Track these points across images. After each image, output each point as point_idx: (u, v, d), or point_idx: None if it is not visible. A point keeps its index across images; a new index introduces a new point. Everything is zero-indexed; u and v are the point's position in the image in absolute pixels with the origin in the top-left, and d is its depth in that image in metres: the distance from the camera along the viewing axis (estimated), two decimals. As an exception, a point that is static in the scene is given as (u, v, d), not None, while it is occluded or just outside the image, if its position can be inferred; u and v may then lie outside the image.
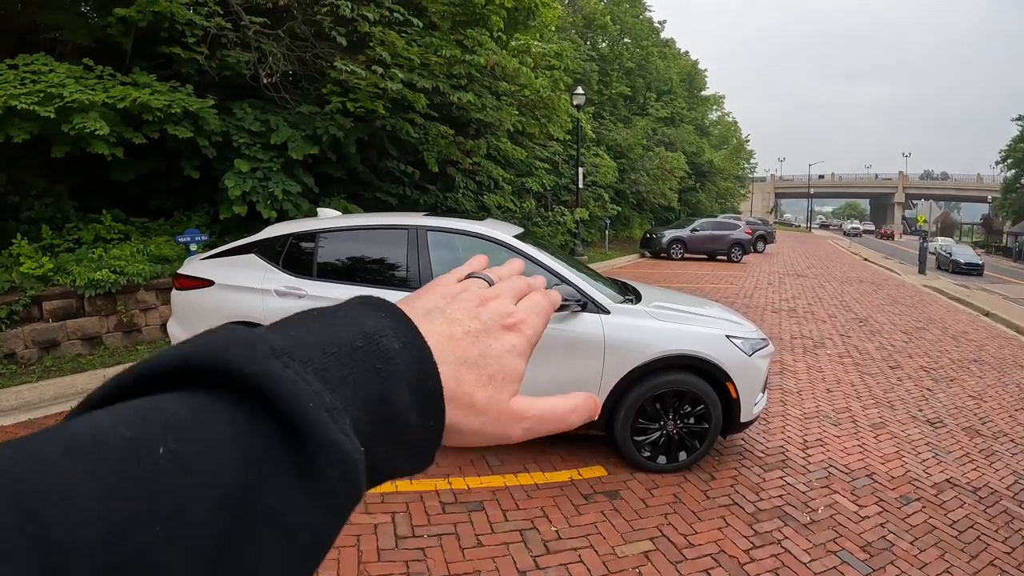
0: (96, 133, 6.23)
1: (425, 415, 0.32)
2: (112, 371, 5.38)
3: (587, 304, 3.80)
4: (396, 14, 7.86)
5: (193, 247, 6.83)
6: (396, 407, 0.31)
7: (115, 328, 6.36)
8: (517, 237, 4.13)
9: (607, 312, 3.83)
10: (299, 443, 0.26)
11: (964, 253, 29.24)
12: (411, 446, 0.32)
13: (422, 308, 0.38)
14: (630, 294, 4.33)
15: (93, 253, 7.13)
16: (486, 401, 0.36)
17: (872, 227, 77.13)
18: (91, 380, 5.25)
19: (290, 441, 0.26)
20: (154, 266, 6.86)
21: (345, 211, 7.82)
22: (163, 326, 6.65)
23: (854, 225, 76.18)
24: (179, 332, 4.34)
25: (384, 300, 0.35)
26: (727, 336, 3.92)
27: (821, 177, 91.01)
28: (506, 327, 0.39)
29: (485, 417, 0.36)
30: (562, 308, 3.71)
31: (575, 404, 0.41)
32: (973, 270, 26.94)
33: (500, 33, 9.07)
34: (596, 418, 0.42)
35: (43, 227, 7.38)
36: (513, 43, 9.85)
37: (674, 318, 3.99)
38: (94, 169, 7.80)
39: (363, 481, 0.28)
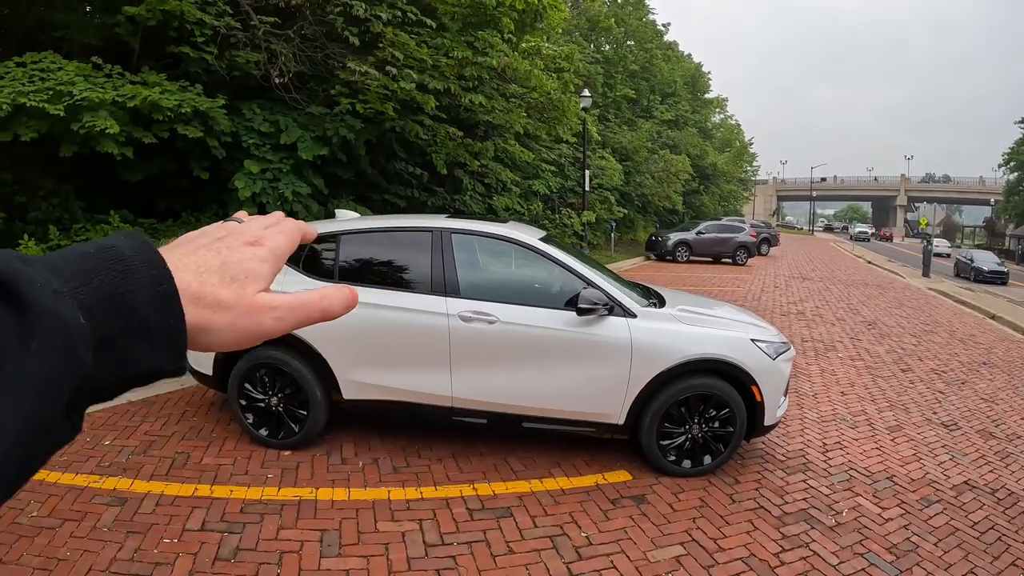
0: (106, 132, 6.20)
1: (163, 313, 0.37)
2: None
3: (614, 308, 3.78)
4: (409, 14, 7.85)
5: (205, 249, 6.78)
6: (131, 302, 0.36)
7: (125, 330, 6.33)
8: (541, 240, 4.13)
9: (634, 316, 3.81)
10: (27, 315, 0.31)
11: (987, 260, 26.41)
12: (155, 340, 0.37)
13: (174, 243, 0.45)
14: (653, 298, 4.32)
15: (103, 255, 7.11)
16: (232, 297, 0.41)
17: (872, 230, 74.30)
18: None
19: (22, 316, 0.31)
20: (165, 268, 6.85)
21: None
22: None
23: (861, 228, 65.83)
24: (196, 334, 4.32)
25: (130, 230, 0.42)
26: (752, 340, 3.92)
27: (823, 180, 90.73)
28: (248, 243, 0.45)
29: (234, 311, 0.41)
30: (589, 312, 3.70)
31: (324, 292, 0.47)
32: (997, 278, 24.49)
33: (510, 35, 9.07)
34: (354, 306, 0.47)
35: (50, 228, 7.33)
36: (523, 45, 9.85)
37: (700, 322, 3.98)
38: (101, 169, 7.77)
39: (84, 347, 0.33)
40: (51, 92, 6.08)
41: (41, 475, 3.53)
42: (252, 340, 0.43)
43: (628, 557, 3.05)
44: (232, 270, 0.42)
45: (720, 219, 26.76)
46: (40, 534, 2.97)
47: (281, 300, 0.44)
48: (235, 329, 0.41)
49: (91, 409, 3.38)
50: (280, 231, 0.48)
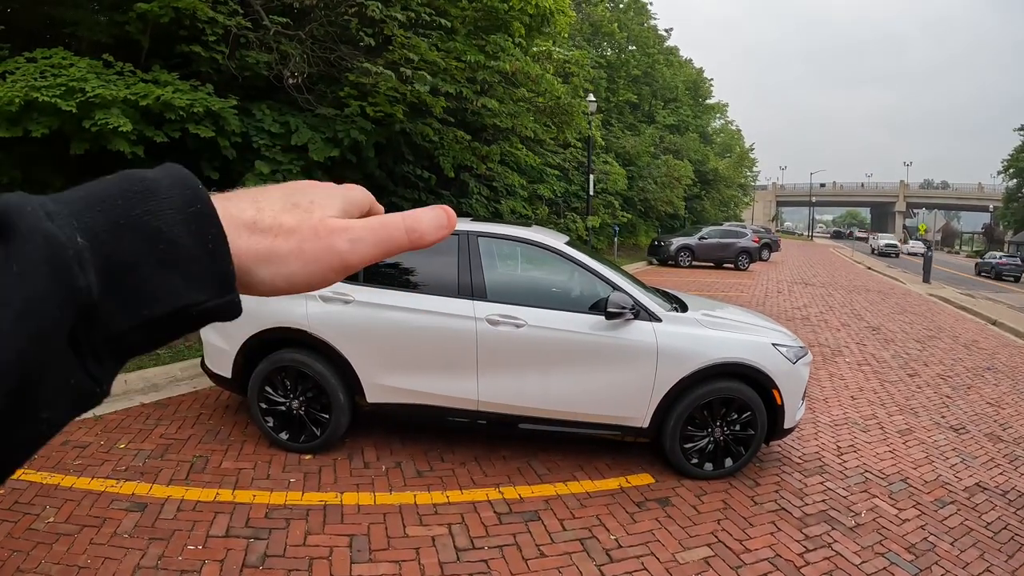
0: (119, 130, 6.17)
1: (198, 236, 0.32)
2: (132, 376, 5.30)
3: (640, 312, 3.80)
4: (423, 15, 7.86)
5: (216, 251, 6.76)
6: (153, 224, 0.31)
7: (135, 332, 6.26)
8: (567, 244, 4.15)
9: (659, 320, 3.84)
10: (13, 239, 0.28)
11: None
12: (190, 269, 0.32)
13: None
14: (675, 302, 4.35)
15: (111, 256, 7.08)
16: (295, 221, 0.37)
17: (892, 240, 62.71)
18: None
19: (7, 242, 0.28)
20: (174, 270, 6.79)
21: None
22: (183, 331, 6.59)
23: (888, 241, 44.92)
24: (214, 337, 4.24)
25: (168, 163, 0.36)
26: (773, 344, 3.96)
27: (823, 185, 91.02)
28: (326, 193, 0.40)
29: (300, 235, 0.36)
30: (617, 315, 3.72)
31: (411, 213, 0.40)
32: None
33: (521, 39, 9.11)
34: (451, 228, 0.41)
35: (58, 228, 7.32)
36: (534, 49, 9.90)
37: (723, 326, 4.01)
38: (110, 168, 7.70)
39: (81, 269, 0.29)
40: (63, 88, 6.03)
41: (56, 479, 3.51)
42: (325, 271, 0.37)
43: (658, 559, 3.07)
44: (295, 198, 0.38)
45: (722, 224, 26.85)
46: (58, 541, 2.93)
47: (357, 222, 0.38)
48: (303, 256, 0.36)
49: (103, 411, 3.36)
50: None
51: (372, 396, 3.91)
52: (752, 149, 43.92)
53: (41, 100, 5.87)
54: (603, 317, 3.75)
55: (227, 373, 4.13)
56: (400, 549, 3.01)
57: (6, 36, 7.05)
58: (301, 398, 3.98)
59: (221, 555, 2.88)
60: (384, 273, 4.09)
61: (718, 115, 43.36)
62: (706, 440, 3.93)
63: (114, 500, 3.33)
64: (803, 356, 4.11)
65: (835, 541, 3.37)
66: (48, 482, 3.49)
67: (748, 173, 45.78)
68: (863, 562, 3.19)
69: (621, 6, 28.27)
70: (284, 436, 4.02)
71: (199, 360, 4.63)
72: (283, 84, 7.90)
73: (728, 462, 3.97)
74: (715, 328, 3.95)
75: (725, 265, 21.44)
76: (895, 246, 44.70)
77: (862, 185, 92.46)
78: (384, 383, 3.88)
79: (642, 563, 3.02)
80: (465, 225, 4.13)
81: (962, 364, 8.08)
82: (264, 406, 4.02)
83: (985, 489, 4.22)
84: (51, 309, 0.28)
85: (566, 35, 12.53)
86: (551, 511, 3.47)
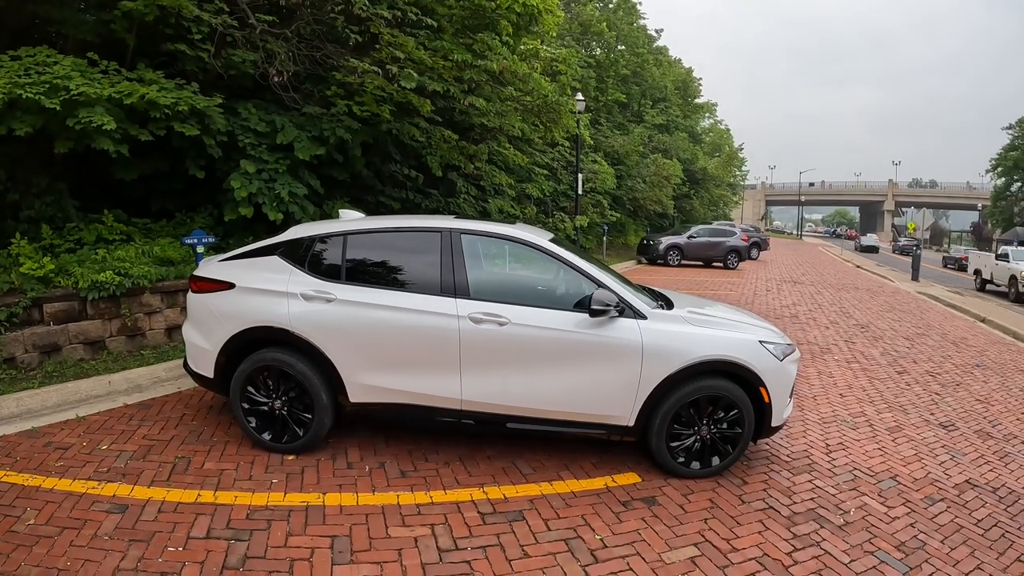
0: (103, 128, 6.10)
1: None
2: (116, 377, 5.25)
3: (624, 309, 3.76)
4: (410, 14, 7.81)
5: (200, 249, 6.70)
6: None
7: (118, 332, 6.17)
8: (551, 241, 4.11)
9: (644, 317, 3.80)
10: None
11: None
12: None
13: None
14: (660, 300, 4.31)
15: (96, 254, 6.97)
16: None
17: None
18: (95, 386, 5.06)
19: None
20: (159, 268, 6.69)
21: None
22: (168, 330, 6.52)
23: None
24: (196, 336, 4.19)
25: None
26: (760, 342, 3.93)
27: (812, 185, 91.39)
28: None
29: None
30: (601, 313, 3.68)
31: None
32: None
33: (508, 38, 9.08)
34: None
35: (43, 226, 7.19)
36: (521, 47, 9.87)
37: (709, 323, 3.97)
38: (95, 168, 7.64)
39: None
40: (47, 85, 5.95)
41: (37, 480, 3.47)
42: None
43: (643, 559, 3.03)
44: None
45: (711, 223, 26.95)
46: (38, 543, 2.90)
47: None
48: None
49: (86, 412, 3.44)
50: None
51: (355, 396, 3.86)
52: (741, 148, 44.16)
53: (25, 97, 5.79)
54: (587, 315, 3.71)
55: (209, 373, 4.07)
56: (382, 550, 2.97)
57: (-10, 34, 6.96)
58: (284, 398, 3.92)
59: (201, 557, 2.85)
60: (366, 271, 4.03)
61: (707, 115, 43.61)
62: (693, 438, 3.90)
63: (95, 502, 3.29)
64: (791, 353, 4.09)
65: (824, 540, 3.35)
66: (29, 484, 3.45)
67: (737, 172, 46.08)
68: (852, 561, 3.16)
69: (611, 6, 28.34)
70: (267, 436, 3.97)
71: (183, 360, 4.57)
72: (269, 83, 7.84)
73: (715, 461, 3.93)
74: (701, 325, 3.91)
75: (714, 264, 21.52)
76: None
77: (865, 184, 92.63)
78: (367, 382, 3.83)
79: (628, 563, 2.99)
80: (448, 222, 4.07)
81: (951, 361, 8.12)
82: (246, 406, 3.97)
83: (975, 486, 4.22)
84: None
85: (554, 34, 12.51)
86: (536, 511, 3.43)
